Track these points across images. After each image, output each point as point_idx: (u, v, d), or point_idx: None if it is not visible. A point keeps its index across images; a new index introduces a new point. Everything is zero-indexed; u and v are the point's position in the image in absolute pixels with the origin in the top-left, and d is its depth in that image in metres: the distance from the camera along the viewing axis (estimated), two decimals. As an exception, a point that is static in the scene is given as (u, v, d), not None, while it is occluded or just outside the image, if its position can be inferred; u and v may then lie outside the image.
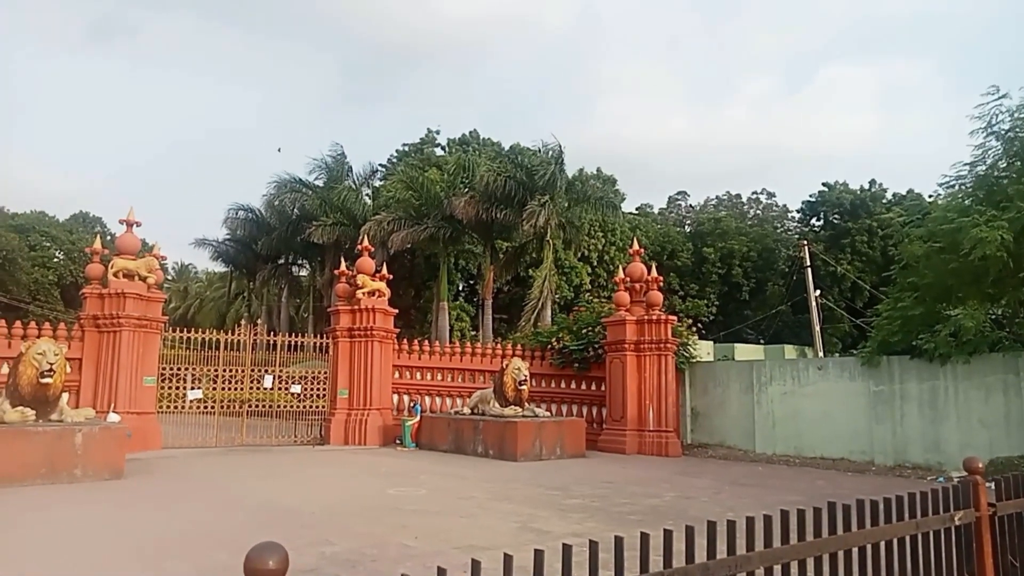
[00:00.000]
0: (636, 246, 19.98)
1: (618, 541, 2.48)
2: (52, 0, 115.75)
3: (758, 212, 54.23)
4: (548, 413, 17.53)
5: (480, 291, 36.01)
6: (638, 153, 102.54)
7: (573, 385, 19.73)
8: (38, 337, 13.87)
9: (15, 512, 8.92)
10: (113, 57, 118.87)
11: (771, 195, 54.88)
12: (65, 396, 12.41)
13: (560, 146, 27.98)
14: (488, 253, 31.53)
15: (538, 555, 2.24)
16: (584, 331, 19.46)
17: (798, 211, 47.47)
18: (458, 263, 36.50)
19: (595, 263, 38.49)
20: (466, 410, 17.55)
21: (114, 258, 16.17)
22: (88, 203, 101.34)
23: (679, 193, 56.82)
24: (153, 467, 13.05)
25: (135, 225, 16.54)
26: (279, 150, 75.30)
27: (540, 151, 29.60)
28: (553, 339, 20.24)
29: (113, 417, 13.64)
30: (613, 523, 8.54)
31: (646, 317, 18.06)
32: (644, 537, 2.52)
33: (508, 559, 2.28)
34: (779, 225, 51.12)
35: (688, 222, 52.61)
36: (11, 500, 9.58)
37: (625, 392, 17.74)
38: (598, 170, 41.51)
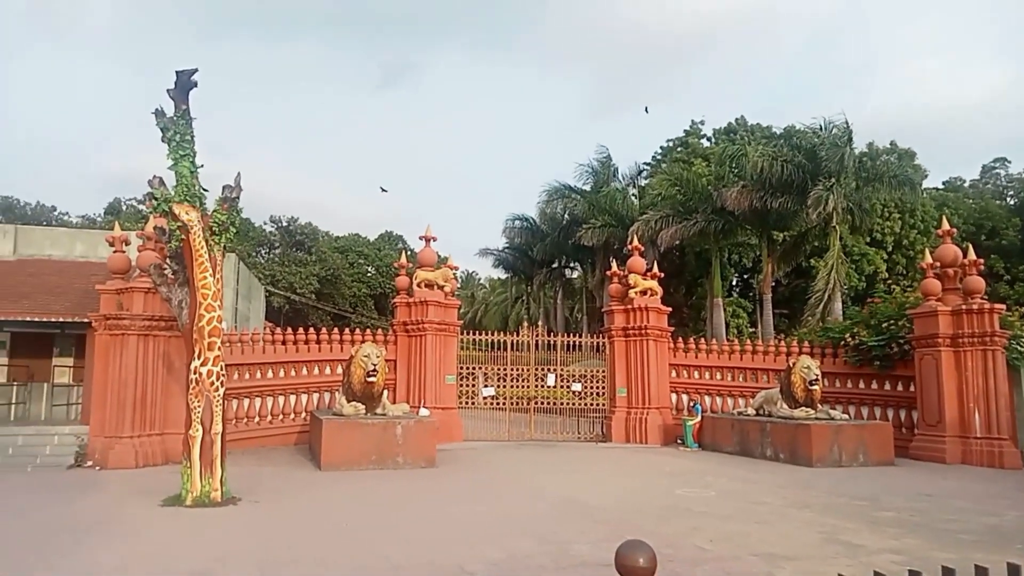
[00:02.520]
0: (946, 226, 17.34)
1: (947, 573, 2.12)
2: (350, 51, 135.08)
3: (1112, 171, 43.80)
4: (845, 416, 15.98)
5: (756, 285, 34.08)
6: (939, 121, 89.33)
7: (873, 385, 17.74)
8: (363, 342, 16.17)
9: (362, 490, 10.51)
10: (403, 93, 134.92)
11: None
12: (386, 392, 14.34)
13: (847, 121, 25.42)
14: (764, 244, 29.72)
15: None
16: (884, 325, 17.39)
17: None
18: (731, 257, 34.95)
19: (890, 248, 34.24)
20: (750, 411, 16.75)
21: (416, 270, 18.29)
22: (392, 223, 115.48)
23: (996, 161, 47.93)
24: (458, 458, 14.48)
25: (432, 240, 18.53)
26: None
27: (821, 130, 27.06)
28: (847, 335, 18.38)
29: (424, 411, 15.36)
30: (940, 542, 7.51)
31: (964, 307, 15.61)
32: (981, 572, 2.13)
33: None
34: None
35: (1011, 193, 44.32)
36: (357, 481, 11.32)
37: (941, 393, 15.49)
38: (892, 144, 36.86)
